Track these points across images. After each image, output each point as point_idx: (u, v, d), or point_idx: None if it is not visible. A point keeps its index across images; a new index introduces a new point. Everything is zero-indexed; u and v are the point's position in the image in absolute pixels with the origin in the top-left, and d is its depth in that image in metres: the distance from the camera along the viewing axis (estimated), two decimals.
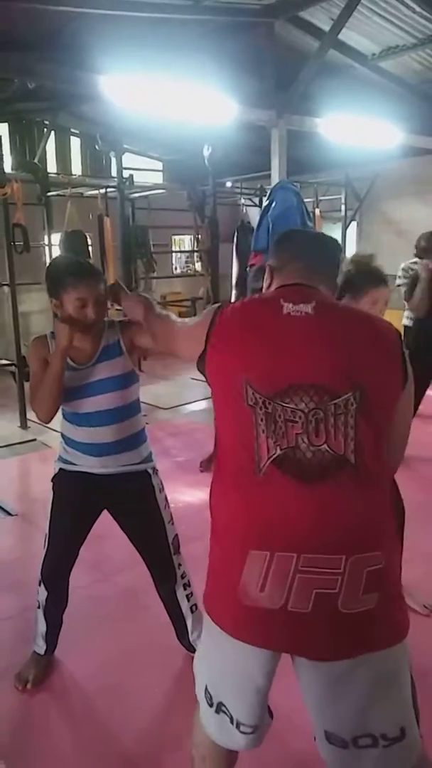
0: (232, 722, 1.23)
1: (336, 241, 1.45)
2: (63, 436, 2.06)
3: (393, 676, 1.14)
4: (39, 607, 2.16)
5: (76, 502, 2.06)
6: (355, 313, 1.31)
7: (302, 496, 1.11)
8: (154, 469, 2.10)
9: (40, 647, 2.19)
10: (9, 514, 3.61)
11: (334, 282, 1.37)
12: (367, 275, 1.98)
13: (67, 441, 2.04)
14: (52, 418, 1.93)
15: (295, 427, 1.12)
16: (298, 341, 1.18)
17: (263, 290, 1.37)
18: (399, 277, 4.26)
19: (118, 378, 1.96)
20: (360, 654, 1.10)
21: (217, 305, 1.30)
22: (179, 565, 2.14)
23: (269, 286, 1.35)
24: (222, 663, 1.23)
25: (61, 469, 2.07)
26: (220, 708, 1.24)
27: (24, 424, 5.25)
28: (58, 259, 2.15)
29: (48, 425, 4.85)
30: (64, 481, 2.06)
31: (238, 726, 1.22)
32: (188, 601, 2.17)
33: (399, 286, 4.23)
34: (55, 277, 1.93)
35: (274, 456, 1.12)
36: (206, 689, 1.27)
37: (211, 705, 1.25)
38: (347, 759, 1.14)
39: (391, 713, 1.14)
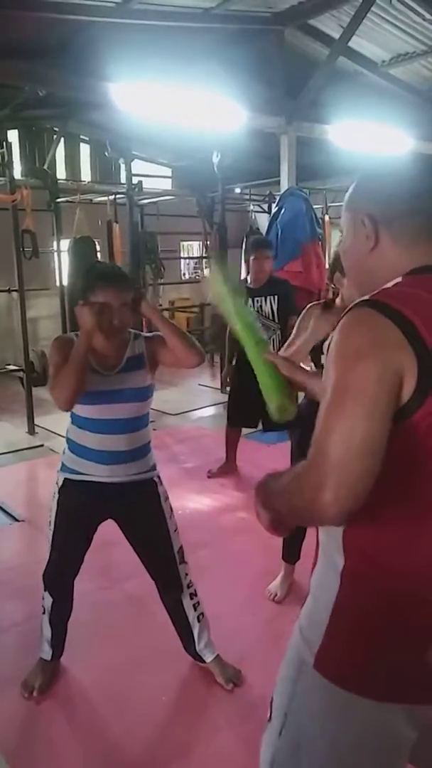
0: None
1: None
2: (71, 444, 2.04)
3: None
4: (44, 613, 2.15)
5: (82, 511, 2.05)
6: None
7: None
8: (159, 478, 2.10)
9: (46, 653, 2.18)
10: (16, 519, 3.60)
11: None
12: None
13: (75, 448, 2.02)
14: (72, 406, 1.91)
15: None
16: None
17: (353, 252, 1.01)
18: None
19: (138, 390, 1.98)
20: None
21: (377, 308, 0.86)
22: (186, 575, 2.12)
23: (373, 248, 0.97)
24: (384, 744, 1.02)
25: (66, 479, 2.04)
26: None
27: (31, 430, 5.26)
28: (95, 264, 2.18)
29: (55, 431, 4.88)
30: (70, 491, 2.04)
31: None
32: (195, 610, 2.15)
33: None
34: (86, 280, 1.94)
35: None
36: None
37: None
38: None
39: None
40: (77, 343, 1.86)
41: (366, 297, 0.89)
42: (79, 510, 2.04)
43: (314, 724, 1.05)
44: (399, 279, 0.93)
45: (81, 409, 1.96)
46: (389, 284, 0.92)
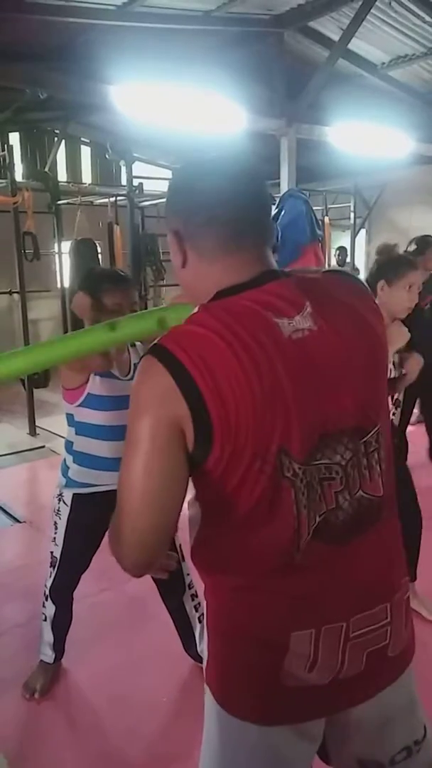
0: None
1: (253, 162, 0.95)
2: (79, 456, 2.00)
3: (413, 682, 1.10)
4: (45, 620, 2.15)
5: (95, 524, 2.01)
6: (345, 300, 0.95)
7: (345, 560, 0.93)
8: None
9: (49, 656, 2.18)
10: (17, 521, 3.61)
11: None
12: (403, 259, 2.03)
13: (86, 461, 1.98)
14: (112, 365, 1.89)
15: (333, 485, 0.90)
16: (317, 375, 0.88)
17: (175, 267, 0.97)
18: None
19: None
20: (401, 674, 1.04)
21: (158, 356, 0.84)
22: (187, 574, 2.13)
23: (183, 265, 0.94)
24: (260, 761, 1.00)
25: (75, 494, 2.01)
26: None
27: (33, 431, 5.26)
28: (95, 268, 2.19)
29: (57, 432, 4.88)
30: (81, 505, 2.01)
31: None
32: (196, 611, 2.16)
33: None
34: (92, 283, 1.93)
35: (314, 526, 0.90)
36: None
37: None
38: None
39: (418, 718, 1.09)
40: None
41: (156, 341, 0.87)
42: (93, 524, 2.01)
43: (210, 748, 1.03)
44: (196, 310, 0.89)
45: (95, 417, 1.93)
46: (191, 315, 0.89)
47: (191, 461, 0.86)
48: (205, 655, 1.03)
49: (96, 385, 1.91)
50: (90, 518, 2.02)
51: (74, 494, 2.01)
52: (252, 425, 0.83)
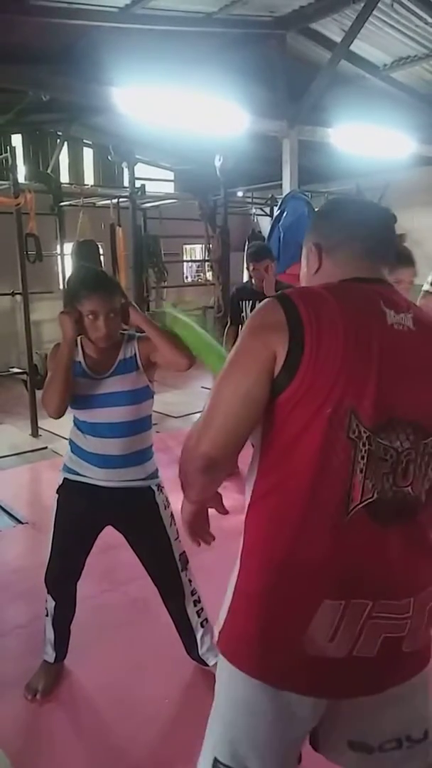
0: None
1: (390, 212, 1.17)
2: (71, 444, 2.06)
3: (426, 683, 1.15)
4: (47, 615, 2.16)
5: (80, 513, 2.05)
6: None
7: (381, 541, 1.02)
8: (159, 486, 2.08)
9: (50, 655, 2.19)
10: (20, 522, 3.62)
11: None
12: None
13: (74, 449, 2.04)
14: (61, 415, 1.93)
15: (383, 466, 1.00)
16: (402, 366, 1.00)
17: (305, 274, 1.18)
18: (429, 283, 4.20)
19: (131, 393, 1.96)
20: (414, 675, 1.10)
21: (278, 299, 1.02)
22: (189, 581, 2.12)
23: (317, 270, 1.14)
24: (260, 720, 1.08)
25: (65, 479, 2.06)
26: None
27: (35, 433, 5.27)
28: (79, 271, 2.16)
29: (59, 434, 4.89)
30: (68, 491, 2.05)
31: None
32: (198, 616, 2.15)
33: (429, 292, 4.16)
34: (71, 289, 1.93)
35: (369, 500, 0.99)
36: (226, 756, 1.11)
37: None
38: (369, 763, 1.15)
39: (420, 717, 1.15)
40: (59, 352, 1.87)
41: (281, 293, 1.04)
42: (77, 511, 2.05)
43: (217, 699, 1.16)
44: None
45: (78, 413, 1.98)
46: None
47: (272, 391, 0.99)
48: (222, 619, 1.12)
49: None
50: (76, 506, 2.04)
51: (64, 478, 2.07)
52: (334, 371, 0.96)
